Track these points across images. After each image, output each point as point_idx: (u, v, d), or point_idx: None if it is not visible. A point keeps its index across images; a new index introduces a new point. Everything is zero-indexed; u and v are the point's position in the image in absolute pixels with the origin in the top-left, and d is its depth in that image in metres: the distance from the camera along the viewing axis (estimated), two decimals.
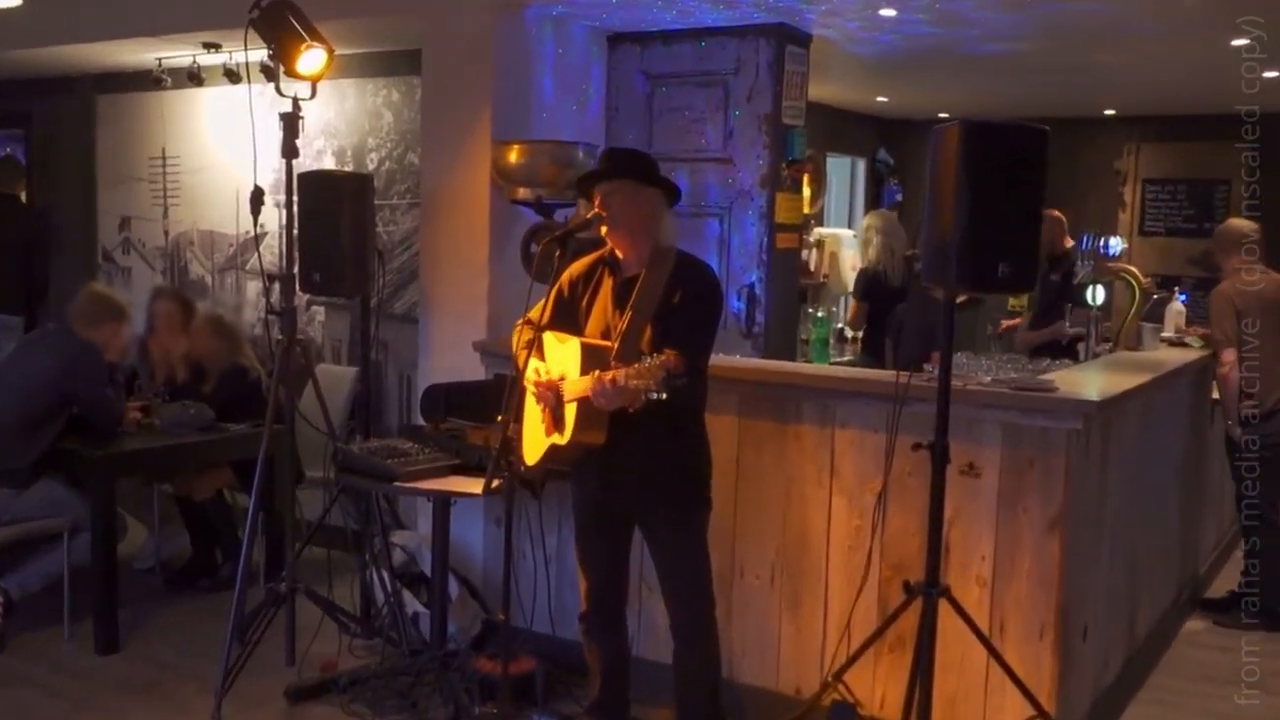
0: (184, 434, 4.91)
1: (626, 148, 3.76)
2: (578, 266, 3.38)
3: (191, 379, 5.34)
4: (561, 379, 3.18)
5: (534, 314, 3.37)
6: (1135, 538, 4.29)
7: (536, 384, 3.22)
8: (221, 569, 5.40)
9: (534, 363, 3.24)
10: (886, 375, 3.74)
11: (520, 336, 3.38)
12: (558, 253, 3.21)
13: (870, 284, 5.87)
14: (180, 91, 6.64)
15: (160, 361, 5.42)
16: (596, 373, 2.96)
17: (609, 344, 3.16)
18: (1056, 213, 5.98)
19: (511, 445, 3.16)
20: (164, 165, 6.95)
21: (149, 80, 6.43)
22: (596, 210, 3.22)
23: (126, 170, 7.14)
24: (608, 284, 3.29)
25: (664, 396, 2.75)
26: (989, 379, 3.68)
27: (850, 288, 7.31)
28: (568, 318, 3.33)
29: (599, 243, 3.36)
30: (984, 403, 3.49)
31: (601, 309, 3.27)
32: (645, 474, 3.24)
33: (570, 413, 3.12)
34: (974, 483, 3.54)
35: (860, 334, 6.10)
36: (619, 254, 3.29)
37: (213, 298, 6.67)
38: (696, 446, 3.33)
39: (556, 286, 3.31)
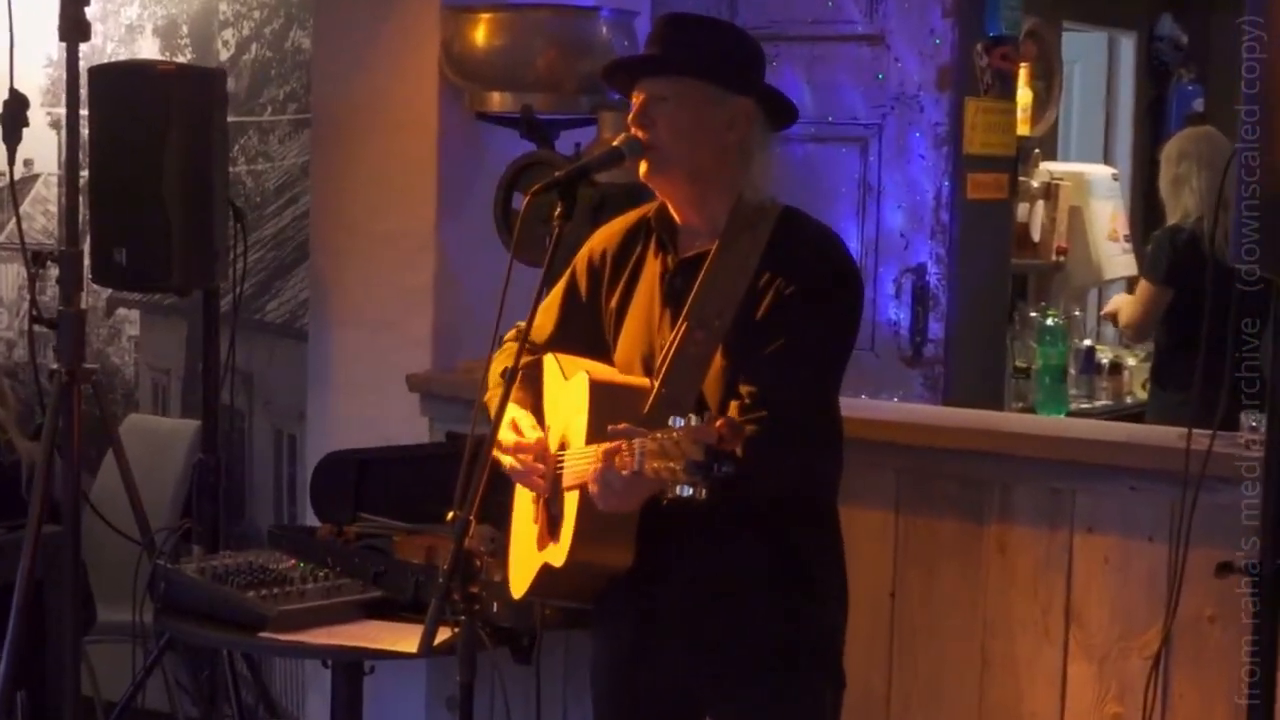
0: None
1: (699, 15, 3.70)
2: (606, 236, 3.40)
3: None
4: (564, 445, 3.21)
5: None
6: None
7: (517, 449, 3.23)
8: None
9: (513, 411, 3.26)
10: (1167, 435, 3.74)
11: (499, 365, 3.40)
12: (557, 211, 3.23)
13: (1182, 257, 5.75)
14: None
15: None
16: (597, 447, 2.97)
17: (644, 382, 3.19)
18: None
19: (474, 564, 3.18)
20: None
21: None
22: (632, 132, 3.25)
23: None
24: (653, 268, 3.33)
25: (702, 495, 2.71)
26: None
27: (1105, 270, 7.21)
28: (588, 328, 3.36)
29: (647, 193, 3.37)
30: None
31: (644, 313, 3.30)
32: (718, 629, 3.24)
33: (570, 508, 3.16)
34: None
35: (1148, 350, 6.11)
36: (674, 214, 3.33)
37: None
38: (826, 573, 3.31)
39: (570, 271, 3.34)
